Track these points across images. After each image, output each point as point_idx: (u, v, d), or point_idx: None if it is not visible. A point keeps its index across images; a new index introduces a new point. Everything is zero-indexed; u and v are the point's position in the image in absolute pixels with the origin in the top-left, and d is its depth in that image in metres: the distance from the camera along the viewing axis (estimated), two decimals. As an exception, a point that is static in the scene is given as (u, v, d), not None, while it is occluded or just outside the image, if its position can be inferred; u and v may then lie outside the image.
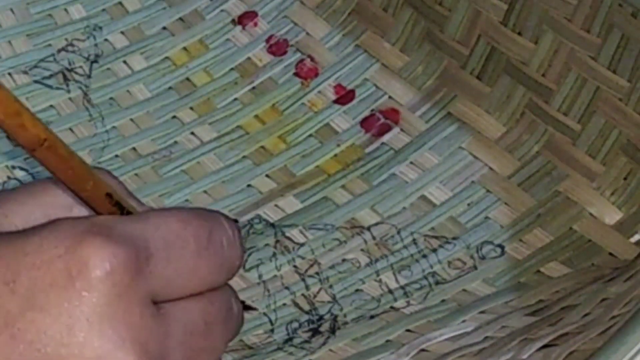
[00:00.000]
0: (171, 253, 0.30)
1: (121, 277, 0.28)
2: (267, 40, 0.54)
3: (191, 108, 0.52)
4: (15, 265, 0.28)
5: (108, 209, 0.31)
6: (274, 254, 0.47)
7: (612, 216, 0.46)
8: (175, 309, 0.31)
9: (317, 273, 0.46)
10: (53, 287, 0.28)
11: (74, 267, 0.28)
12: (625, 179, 0.46)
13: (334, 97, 0.52)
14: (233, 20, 0.55)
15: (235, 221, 0.34)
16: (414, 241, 0.47)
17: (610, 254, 0.45)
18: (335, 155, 0.50)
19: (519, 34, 0.49)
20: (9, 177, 0.48)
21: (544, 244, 0.46)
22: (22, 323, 0.28)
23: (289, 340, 0.43)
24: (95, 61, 0.53)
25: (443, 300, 0.45)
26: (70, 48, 0.53)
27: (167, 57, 0.54)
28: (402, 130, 0.51)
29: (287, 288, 0.45)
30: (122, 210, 0.31)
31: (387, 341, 0.42)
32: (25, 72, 0.52)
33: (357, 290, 0.45)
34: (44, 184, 0.32)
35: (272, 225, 0.48)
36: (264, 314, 0.45)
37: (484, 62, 0.50)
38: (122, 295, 0.29)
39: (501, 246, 0.47)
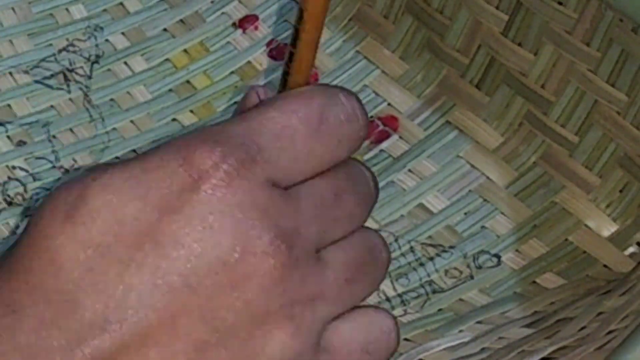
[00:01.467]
0: (281, 143, 0.33)
1: (237, 171, 0.31)
2: (268, 44, 0.54)
3: (191, 111, 0.52)
4: (143, 182, 0.31)
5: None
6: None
7: (608, 228, 0.47)
8: (301, 187, 0.34)
9: (315, 279, 0.46)
10: (182, 192, 0.31)
11: (195, 172, 0.31)
12: (621, 191, 0.47)
13: (333, 103, 0.52)
14: (234, 24, 0.55)
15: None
16: (412, 249, 0.47)
17: (605, 266, 0.46)
18: (334, 161, 0.51)
19: (519, 45, 0.49)
20: (9, 177, 0.48)
21: (540, 255, 0.47)
22: (160, 227, 0.31)
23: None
24: (96, 62, 0.53)
25: (440, 310, 0.45)
26: (71, 48, 0.53)
27: (167, 59, 0.54)
28: (400, 137, 0.51)
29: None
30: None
31: (385, 350, 0.43)
32: (26, 72, 0.52)
33: (354, 297, 0.46)
34: None
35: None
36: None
37: (483, 71, 0.50)
38: (243, 185, 0.31)
39: (497, 256, 0.47)
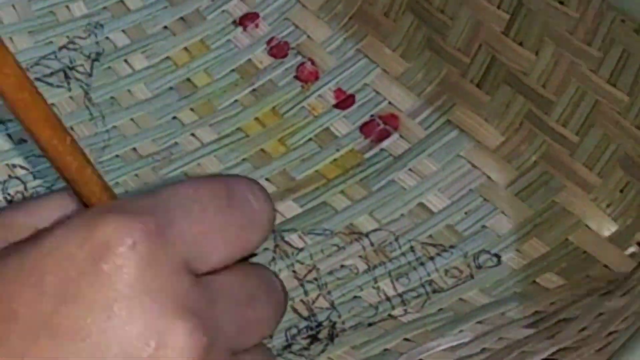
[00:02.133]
0: (191, 216, 0.29)
1: (147, 247, 0.28)
2: (268, 42, 0.54)
3: (192, 109, 0.52)
4: (38, 268, 0.28)
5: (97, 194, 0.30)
6: (273, 259, 0.47)
7: (608, 228, 0.47)
8: (214, 279, 0.30)
9: (315, 279, 0.46)
10: (81, 276, 0.27)
11: (96, 251, 0.27)
12: (621, 191, 0.47)
13: (334, 102, 0.52)
14: (234, 21, 0.55)
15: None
16: (412, 248, 0.47)
17: (605, 266, 0.46)
18: (335, 160, 0.51)
19: (520, 44, 0.49)
20: (9, 176, 0.48)
21: (540, 255, 0.47)
22: (58, 319, 0.27)
23: (287, 346, 0.44)
24: (97, 59, 0.53)
25: (440, 309, 0.45)
26: (71, 46, 0.53)
27: (168, 57, 0.54)
28: (401, 136, 0.51)
29: (286, 293, 0.46)
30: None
31: (385, 350, 0.43)
32: (26, 70, 0.51)
33: (355, 297, 0.46)
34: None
35: (272, 229, 0.48)
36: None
37: (484, 71, 0.50)
38: (152, 265, 0.28)
39: (498, 255, 0.47)
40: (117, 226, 0.28)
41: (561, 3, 0.47)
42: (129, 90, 0.52)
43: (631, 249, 0.46)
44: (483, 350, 0.41)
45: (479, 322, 0.43)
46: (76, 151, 0.30)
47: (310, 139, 0.51)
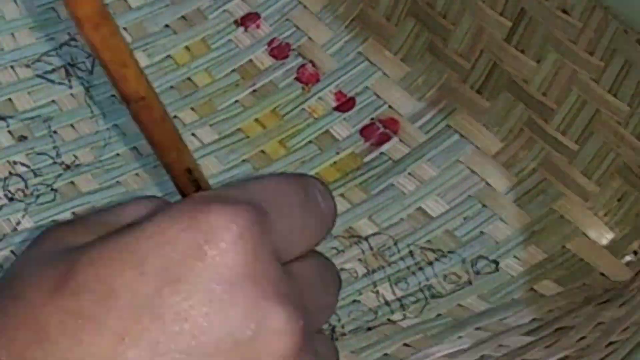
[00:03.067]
0: (282, 210, 0.30)
1: (251, 235, 0.28)
2: (269, 43, 0.54)
3: (192, 108, 0.52)
4: (140, 249, 0.28)
5: (184, 183, 0.31)
6: (273, 261, 0.47)
7: (605, 237, 0.47)
8: (294, 268, 0.31)
9: (315, 282, 0.46)
10: (184, 259, 0.28)
11: (201, 236, 0.28)
12: (619, 200, 0.47)
13: (334, 104, 0.52)
14: (235, 21, 0.55)
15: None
16: (411, 253, 0.48)
17: (602, 274, 0.46)
18: (335, 163, 0.51)
19: (522, 52, 0.49)
20: (10, 173, 0.48)
21: (538, 262, 0.47)
22: (160, 300, 0.28)
23: (288, 349, 0.44)
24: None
25: (439, 315, 0.45)
26: (73, 43, 0.53)
27: (169, 56, 0.54)
28: (401, 140, 0.51)
29: (286, 296, 0.46)
30: (198, 188, 0.31)
31: (385, 355, 0.43)
32: (27, 66, 0.51)
33: (354, 300, 0.46)
34: None
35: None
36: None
37: (485, 77, 0.51)
38: (254, 252, 0.28)
39: (496, 262, 0.47)
40: (223, 214, 0.28)
41: (564, 12, 0.47)
42: (129, 89, 0.52)
43: (628, 257, 0.46)
44: (482, 357, 0.41)
45: (478, 329, 0.44)
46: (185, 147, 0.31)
47: (310, 141, 0.51)
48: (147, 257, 0.28)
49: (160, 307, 0.28)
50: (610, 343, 0.37)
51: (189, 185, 0.31)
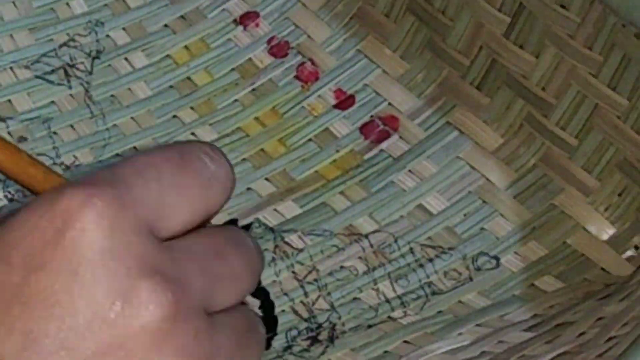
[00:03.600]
0: (148, 179, 0.30)
1: (106, 212, 0.29)
2: (269, 42, 0.54)
3: (192, 108, 0.52)
4: (5, 243, 0.29)
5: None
6: (273, 259, 0.47)
7: (606, 232, 0.47)
8: (178, 240, 0.31)
9: (315, 280, 0.46)
10: (45, 246, 0.29)
11: (58, 220, 0.29)
12: (619, 195, 0.47)
13: (334, 102, 0.52)
14: (235, 20, 0.55)
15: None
16: (411, 250, 0.48)
17: (603, 269, 0.46)
18: (335, 160, 0.51)
19: (521, 47, 0.49)
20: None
21: (539, 257, 0.47)
22: (28, 288, 0.28)
23: (288, 348, 0.44)
24: (97, 57, 0.53)
25: (439, 312, 0.45)
26: (72, 43, 0.53)
27: (168, 55, 0.54)
28: (400, 137, 0.51)
29: (286, 294, 0.46)
30: None
31: (385, 352, 0.43)
32: (26, 67, 0.52)
33: (355, 298, 0.46)
34: None
35: (272, 230, 0.48)
36: (263, 320, 0.45)
37: (484, 73, 0.50)
38: (113, 229, 0.29)
39: (496, 258, 0.47)
40: (77, 195, 0.29)
41: (563, 7, 0.47)
42: (129, 89, 0.52)
43: (629, 252, 0.46)
44: (483, 353, 0.41)
45: (478, 325, 0.44)
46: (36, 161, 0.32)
47: (310, 139, 0.51)
48: (13, 247, 0.29)
49: (29, 295, 0.28)
50: (610, 338, 0.37)
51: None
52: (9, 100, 0.51)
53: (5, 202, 0.47)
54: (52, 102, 0.51)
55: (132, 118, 0.51)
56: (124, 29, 0.54)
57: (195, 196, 0.32)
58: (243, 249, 0.33)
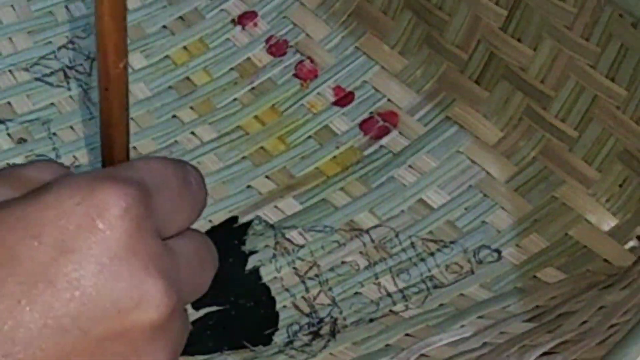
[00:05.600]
0: (164, 192, 0.33)
1: (137, 212, 0.31)
2: (267, 41, 0.54)
3: (191, 107, 0.52)
4: (38, 220, 0.31)
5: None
6: (274, 256, 0.47)
7: (607, 223, 0.47)
8: (173, 244, 0.34)
9: (316, 275, 0.46)
10: (78, 231, 0.31)
11: (94, 210, 0.31)
12: (620, 186, 0.47)
13: (333, 99, 0.52)
14: (233, 20, 0.55)
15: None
16: (412, 244, 0.48)
17: (605, 260, 0.46)
18: (334, 157, 0.51)
19: (519, 40, 0.49)
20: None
21: (540, 249, 0.47)
22: (55, 268, 0.30)
23: (289, 343, 0.44)
24: (96, 59, 0.53)
25: (441, 305, 0.45)
26: (70, 45, 0.53)
27: (167, 56, 0.54)
28: (400, 133, 0.51)
29: (287, 290, 0.46)
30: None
31: (387, 345, 0.43)
32: (26, 70, 0.52)
33: (356, 293, 0.46)
34: None
35: (272, 226, 0.48)
36: (265, 316, 0.45)
37: (482, 67, 0.50)
38: (140, 229, 0.31)
39: (498, 251, 0.47)
40: (114, 190, 0.31)
41: (559, -2, 0.47)
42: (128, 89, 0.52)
43: (631, 243, 0.46)
44: (484, 344, 0.41)
45: (480, 317, 0.44)
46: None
47: (309, 137, 0.51)
48: (45, 227, 0.30)
49: (56, 275, 0.30)
50: (612, 326, 0.37)
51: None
52: (9, 103, 0.51)
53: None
54: (52, 103, 0.51)
55: (131, 118, 0.51)
56: (122, 30, 0.54)
57: (187, 213, 0.35)
58: (212, 256, 0.37)
